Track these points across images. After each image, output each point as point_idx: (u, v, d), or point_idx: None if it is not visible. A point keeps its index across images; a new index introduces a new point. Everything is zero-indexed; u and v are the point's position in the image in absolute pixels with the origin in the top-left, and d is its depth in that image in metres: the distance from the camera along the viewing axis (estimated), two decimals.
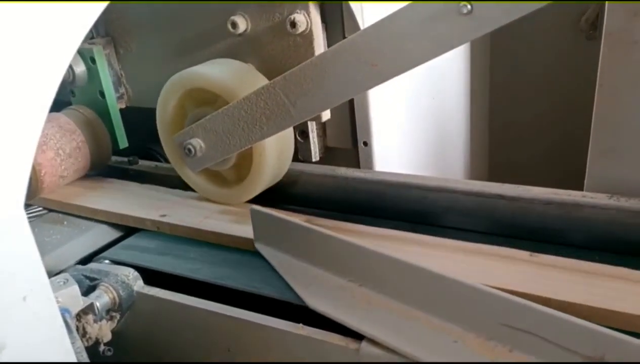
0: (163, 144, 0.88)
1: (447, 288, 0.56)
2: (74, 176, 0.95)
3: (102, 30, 1.00)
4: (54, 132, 0.91)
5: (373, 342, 0.57)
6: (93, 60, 0.96)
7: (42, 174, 0.87)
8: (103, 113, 0.99)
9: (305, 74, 0.66)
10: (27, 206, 0.93)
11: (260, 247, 0.74)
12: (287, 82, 0.67)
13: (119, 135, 1.01)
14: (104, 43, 0.99)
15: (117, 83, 1.02)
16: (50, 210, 0.94)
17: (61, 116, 0.96)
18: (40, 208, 0.95)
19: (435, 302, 0.57)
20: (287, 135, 0.82)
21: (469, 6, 0.53)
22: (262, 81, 0.80)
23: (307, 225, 0.68)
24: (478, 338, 0.54)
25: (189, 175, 0.88)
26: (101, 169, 1.02)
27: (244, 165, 0.82)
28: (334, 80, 0.64)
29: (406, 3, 0.58)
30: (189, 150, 0.79)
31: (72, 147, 0.93)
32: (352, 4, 0.81)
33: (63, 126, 0.93)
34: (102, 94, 0.99)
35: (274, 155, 0.80)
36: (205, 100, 0.81)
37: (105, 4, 0.48)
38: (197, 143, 0.79)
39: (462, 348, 0.54)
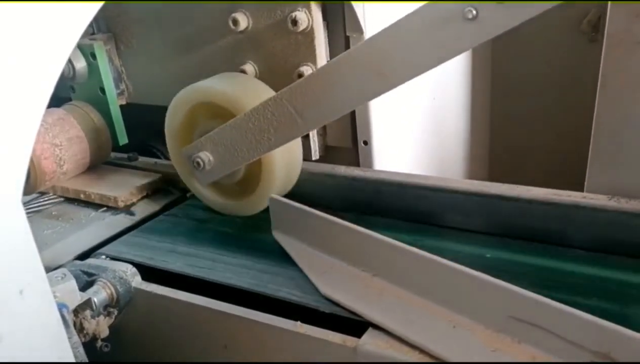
0: (172, 158, 0.88)
1: (458, 280, 0.57)
2: (74, 171, 0.95)
3: (103, 26, 1.00)
4: (54, 128, 0.91)
5: (371, 338, 0.57)
6: (94, 56, 0.96)
7: (41, 169, 0.87)
8: (103, 109, 0.99)
9: (311, 85, 0.66)
10: (42, 194, 0.95)
11: (277, 235, 0.75)
12: (294, 93, 0.67)
13: (119, 131, 1.01)
14: (105, 39, 0.99)
15: (118, 80, 1.02)
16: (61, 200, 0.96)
17: (61, 112, 0.96)
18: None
19: (446, 294, 0.58)
20: (295, 146, 0.82)
21: (474, 11, 0.53)
22: (269, 93, 0.79)
23: (324, 215, 0.69)
24: (487, 329, 0.55)
25: (197, 188, 0.87)
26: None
27: (253, 177, 0.82)
28: (341, 89, 0.64)
29: (407, 3, 0.58)
30: (198, 163, 0.79)
31: (72, 142, 0.93)
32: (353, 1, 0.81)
33: (63, 122, 0.93)
34: (103, 90, 0.98)
35: (283, 166, 0.80)
36: (213, 114, 0.81)
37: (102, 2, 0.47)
38: (206, 156, 0.79)
39: (472, 339, 0.55)
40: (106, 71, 0.98)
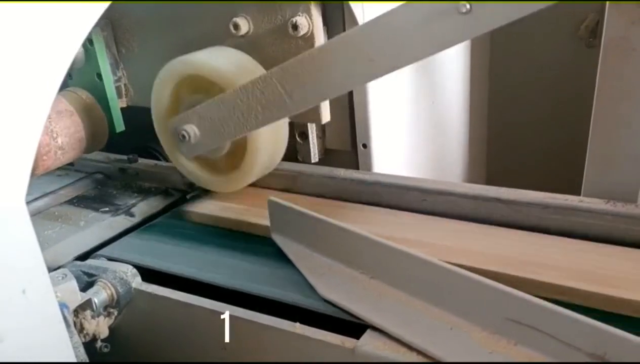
0: (157, 132, 0.88)
1: (455, 282, 0.57)
2: (69, 157, 0.93)
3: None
4: (50, 114, 0.89)
5: (370, 339, 0.58)
6: (91, 42, 0.95)
7: (37, 155, 0.86)
8: (100, 95, 0.98)
9: (302, 66, 0.66)
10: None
11: (276, 237, 0.75)
12: (284, 73, 0.67)
13: (116, 117, 0.99)
14: (102, 25, 0.98)
15: (115, 66, 1.01)
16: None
17: (57, 97, 0.94)
18: None
19: (443, 296, 0.58)
20: (282, 126, 0.82)
21: (467, 5, 0.54)
22: (259, 70, 0.80)
23: (322, 217, 0.69)
24: (484, 331, 0.55)
25: (181, 162, 0.87)
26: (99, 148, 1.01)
27: (238, 153, 0.82)
28: (331, 72, 0.64)
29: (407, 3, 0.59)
30: (183, 135, 0.79)
31: (68, 128, 0.90)
32: (353, 5, 0.81)
33: (59, 108, 0.91)
34: (99, 76, 0.97)
35: (268, 145, 0.81)
36: (201, 88, 0.81)
37: (107, 4, 0.48)
38: (192, 129, 0.79)
39: (469, 341, 0.55)
40: (103, 57, 0.97)
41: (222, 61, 0.80)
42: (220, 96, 0.75)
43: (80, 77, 0.99)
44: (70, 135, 0.92)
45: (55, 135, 0.89)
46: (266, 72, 0.70)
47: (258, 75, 0.70)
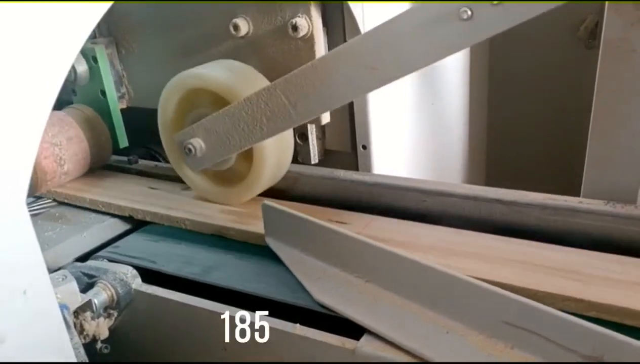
0: (163, 144, 0.89)
1: (451, 286, 0.57)
2: (74, 173, 0.95)
3: (104, 30, 1.01)
4: (55, 130, 0.92)
5: (370, 341, 0.57)
6: (95, 60, 0.97)
7: (42, 171, 0.87)
8: (104, 112, 1.00)
9: (306, 76, 0.67)
10: (38, 198, 0.95)
11: (270, 242, 0.75)
12: (288, 84, 0.68)
13: (120, 134, 1.02)
14: (106, 43, 1.00)
15: (119, 83, 1.03)
16: (60, 203, 0.96)
17: (62, 114, 0.96)
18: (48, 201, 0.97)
19: (439, 299, 0.58)
20: (287, 137, 0.82)
21: (469, 12, 0.54)
22: (263, 82, 0.80)
23: (317, 221, 0.69)
24: (480, 335, 0.55)
25: (188, 175, 0.88)
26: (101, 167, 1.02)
27: (244, 165, 0.83)
28: (335, 82, 0.65)
29: (407, 4, 0.59)
30: (189, 149, 0.80)
31: (71, 142, 0.93)
32: (352, 6, 0.82)
33: (61, 122, 0.94)
34: (104, 93, 0.99)
35: (274, 156, 0.81)
36: (206, 101, 0.81)
37: (109, 4, 0.48)
38: (198, 143, 0.79)
39: (465, 344, 0.55)
40: (107, 74, 0.99)
41: (226, 74, 0.81)
42: (225, 109, 0.75)
43: (85, 94, 1.01)
44: (76, 161, 0.95)
45: (62, 163, 0.92)
46: (270, 84, 0.70)
47: (262, 87, 0.70)
